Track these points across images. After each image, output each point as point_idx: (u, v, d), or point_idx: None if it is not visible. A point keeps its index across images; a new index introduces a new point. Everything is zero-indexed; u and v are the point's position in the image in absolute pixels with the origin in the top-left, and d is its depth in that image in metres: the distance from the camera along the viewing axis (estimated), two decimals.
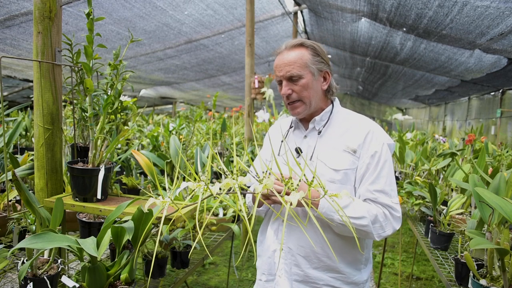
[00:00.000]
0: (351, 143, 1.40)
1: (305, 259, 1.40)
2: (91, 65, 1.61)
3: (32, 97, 1.61)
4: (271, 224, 1.50)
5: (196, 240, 0.98)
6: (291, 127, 1.58)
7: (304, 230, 1.29)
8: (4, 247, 1.74)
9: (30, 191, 1.39)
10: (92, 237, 1.21)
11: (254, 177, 1.07)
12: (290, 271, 1.43)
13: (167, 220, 1.27)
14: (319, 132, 1.47)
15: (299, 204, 1.12)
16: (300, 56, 1.40)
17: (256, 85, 4.07)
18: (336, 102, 1.54)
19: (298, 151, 1.47)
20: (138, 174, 3.09)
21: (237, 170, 1.02)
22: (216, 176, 3.37)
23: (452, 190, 2.92)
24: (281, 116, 4.34)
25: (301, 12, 6.01)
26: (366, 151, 1.38)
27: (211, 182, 2.29)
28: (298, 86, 1.41)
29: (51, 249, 1.47)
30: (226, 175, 1.02)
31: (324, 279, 1.40)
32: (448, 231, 2.29)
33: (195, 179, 1.04)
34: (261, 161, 1.12)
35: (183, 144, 2.95)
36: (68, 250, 1.73)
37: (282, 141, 1.55)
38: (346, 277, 1.41)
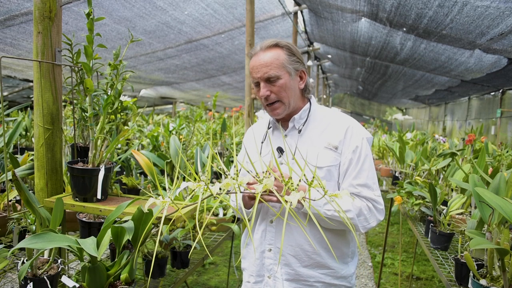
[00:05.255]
0: (332, 140, 1.42)
1: (295, 258, 1.42)
2: (91, 65, 1.61)
3: (32, 97, 1.61)
4: (257, 225, 1.50)
5: (196, 240, 0.98)
6: (269, 127, 1.56)
7: (289, 230, 1.32)
8: (4, 247, 1.74)
9: (30, 191, 1.39)
10: (92, 237, 1.20)
11: (254, 177, 1.07)
12: (280, 271, 1.43)
13: (167, 220, 1.27)
14: (299, 131, 1.48)
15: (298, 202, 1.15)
16: (276, 56, 1.40)
17: None
18: (313, 99, 1.55)
19: (279, 150, 1.47)
20: (138, 174, 3.09)
21: (237, 170, 1.02)
22: (216, 176, 3.37)
23: (452, 190, 2.92)
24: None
25: (301, 12, 6.00)
26: (347, 147, 1.41)
27: (211, 182, 2.29)
28: (276, 86, 1.40)
29: (51, 249, 1.47)
30: (226, 175, 1.02)
31: (315, 276, 1.42)
32: (448, 231, 2.29)
33: (195, 179, 1.04)
34: (238, 161, 1.11)
35: (183, 144, 2.95)
36: (68, 250, 1.73)
37: (262, 142, 1.55)
38: (335, 272, 1.44)
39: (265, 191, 1.08)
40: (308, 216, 1.39)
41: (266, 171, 1.04)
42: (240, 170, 1.04)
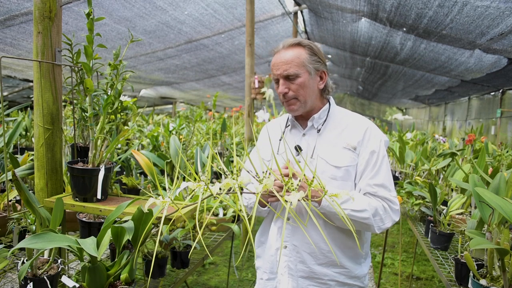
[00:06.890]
0: (351, 140, 1.45)
1: (311, 256, 1.43)
2: (91, 65, 1.61)
3: (32, 97, 1.61)
4: (274, 222, 1.50)
5: (196, 240, 0.98)
6: (287, 126, 1.58)
7: (305, 228, 1.32)
8: (4, 247, 1.74)
9: (30, 191, 1.39)
10: (92, 237, 1.20)
11: (254, 177, 1.07)
12: (295, 268, 1.45)
13: (167, 220, 1.27)
14: (318, 130, 1.49)
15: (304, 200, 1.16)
16: (298, 55, 1.43)
17: (256, 85, 4.07)
18: (332, 100, 1.58)
19: (297, 149, 1.48)
20: (138, 174, 3.09)
21: (237, 170, 1.02)
22: (216, 176, 3.37)
23: (452, 190, 2.92)
24: (280, 116, 4.34)
25: (301, 12, 6.00)
26: (365, 148, 1.44)
27: (211, 182, 2.29)
28: (295, 84, 1.43)
29: (51, 249, 1.47)
30: (226, 175, 1.02)
31: (329, 274, 1.44)
32: (448, 231, 2.29)
33: (195, 179, 1.04)
34: (260, 159, 1.12)
35: (183, 144, 2.95)
36: (68, 250, 1.73)
37: (280, 140, 1.56)
38: (349, 271, 1.46)
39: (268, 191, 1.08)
40: (323, 215, 1.41)
41: (266, 171, 1.04)
42: (241, 169, 1.04)
